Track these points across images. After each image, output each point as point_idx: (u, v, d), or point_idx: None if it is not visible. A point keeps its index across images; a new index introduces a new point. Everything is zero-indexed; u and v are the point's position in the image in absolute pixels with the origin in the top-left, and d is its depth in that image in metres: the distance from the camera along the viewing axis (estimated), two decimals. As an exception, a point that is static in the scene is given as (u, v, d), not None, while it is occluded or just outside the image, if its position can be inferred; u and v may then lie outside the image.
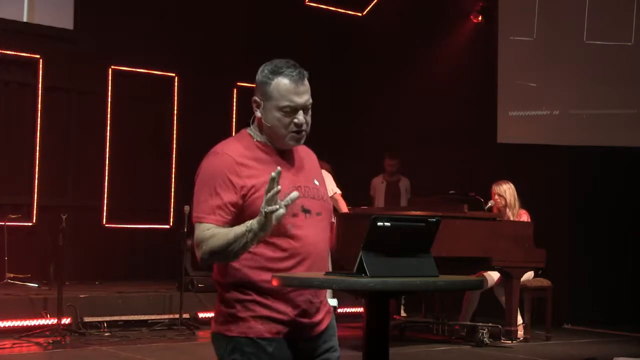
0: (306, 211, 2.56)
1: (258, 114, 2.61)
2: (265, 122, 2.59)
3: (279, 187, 2.33)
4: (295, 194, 2.37)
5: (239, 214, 2.52)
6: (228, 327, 2.57)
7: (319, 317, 2.62)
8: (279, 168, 2.35)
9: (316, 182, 2.68)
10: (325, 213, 2.65)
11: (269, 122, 2.58)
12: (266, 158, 2.60)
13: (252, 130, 2.66)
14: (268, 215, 2.34)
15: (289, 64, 2.58)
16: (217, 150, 2.61)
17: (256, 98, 2.61)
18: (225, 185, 2.51)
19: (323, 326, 2.64)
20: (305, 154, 2.75)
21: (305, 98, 2.57)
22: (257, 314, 2.52)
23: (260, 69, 2.61)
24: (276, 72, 2.56)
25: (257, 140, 2.63)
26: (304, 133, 2.60)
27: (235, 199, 2.51)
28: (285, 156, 2.64)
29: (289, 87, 2.54)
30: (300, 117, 2.57)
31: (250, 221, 2.41)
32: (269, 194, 2.33)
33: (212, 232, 2.48)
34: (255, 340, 2.52)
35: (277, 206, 2.34)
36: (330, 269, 2.72)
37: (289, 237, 2.53)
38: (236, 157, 2.55)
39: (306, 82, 2.59)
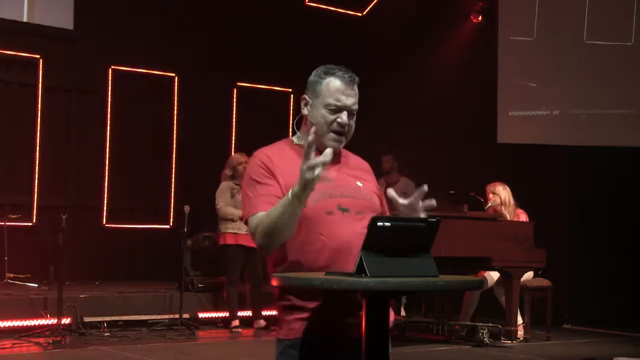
0: (343, 210, 2.56)
1: (305, 111, 2.69)
2: (311, 119, 2.67)
3: (325, 159, 2.35)
4: (329, 150, 2.40)
5: None
6: (278, 332, 2.63)
7: (360, 319, 2.57)
8: (330, 149, 2.39)
9: (359, 184, 2.69)
10: (367, 212, 2.62)
11: (314, 119, 2.65)
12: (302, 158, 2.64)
13: (295, 136, 2.74)
14: (307, 174, 2.36)
15: (343, 68, 2.68)
16: (256, 152, 2.70)
17: (305, 96, 2.69)
18: (266, 177, 2.58)
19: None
20: (356, 162, 2.79)
21: (352, 100, 2.65)
22: (297, 317, 2.56)
23: (315, 70, 2.70)
24: (329, 73, 2.66)
25: (296, 144, 2.71)
26: (344, 136, 2.66)
27: (279, 189, 2.56)
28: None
29: (338, 86, 2.63)
30: (343, 117, 2.63)
31: (291, 190, 2.42)
32: (312, 162, 2.34)
33: (262, 218, 2.51)
34: (296, 341, 2.55)
35: (315, 163, 2.35)
36: None
37: (322, 235, 2.53)
38: (271, 156, 2.63)
39: (356, 87, 2.67)
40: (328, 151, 2.39)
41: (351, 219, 2.58)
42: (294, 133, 2.78)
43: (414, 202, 2.62)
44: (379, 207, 2.73)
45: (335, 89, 2.63)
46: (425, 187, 2.62)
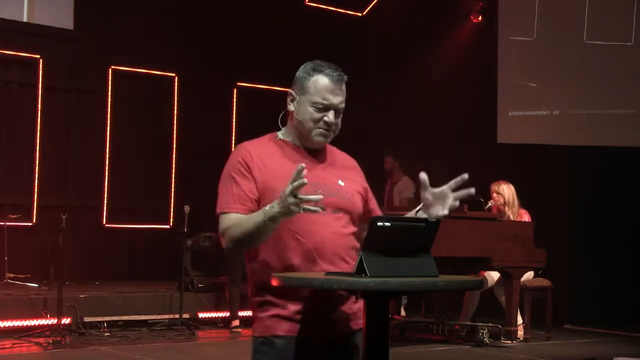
0: (320, 208, 2.55)
1: (291, 107, 2.67)
2: (297, 115, 2.65)
3: (305, 180, 2.31)
4: (319, 196, 2.36)
5: (259, 203, 2.56)
6: (253, 329, 2.63)
7: (339, 317, 2.58)
8: (302, 164, 2.34)
9: (341, 183, 2.67)
10: (345, 212, 2.62)
11: (299, 116, 2.64)
12: (284, 153, 2.65)
13: (281, 131, 2.73)
14: (291, 207, 2.34)
15: (332, 65, 2.66)
16: (238, 145, 2.70)
17: (292, 91, 2.68)
18: (243, 175, 2.58)
19: (347, 328, 2.60)
20: (341, 159, 2.77)
21: (339, 99, 2.63)
22: (271, 314, 2.56)
23: (302, 66, 2.68)
24: (317, 70, 2.63)
25: (279, 138, 2.70)
26: (331, 133, 2.65)
27: (254, 188, 2.57)
28: (309, 154, 2.67)
29: (326, 85, 2.61)
30: (330, 116, 2.62)
31: (268, 207, 2.41)
32: (294, 184, 2.31)
33: (235, 221, 2.52)
34: (269, 338, 2.55)
35: (298, 200, 2.32)
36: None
37: (297, 233, 2.53)
38: (252, 150, 2.63)
39: (344, 86, 2.66)
40: (317, 197, 2.34)
41: (328, 218, 2.57)
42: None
43: (446, 190, 2.58)
44: (359, 206, 2.70)
45: (323, 87, 2.61)
46: (466, 176, 2.56)
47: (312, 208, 2.34)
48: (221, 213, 2.58)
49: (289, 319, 2.53)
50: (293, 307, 2.53)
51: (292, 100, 2.67)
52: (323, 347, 2.56)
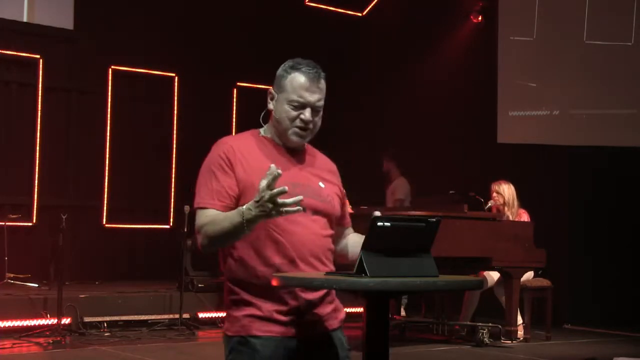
0: (301, 208, 2.55)
1: (270, 106, 2.67)
2: (275, 114, 2.65)
3: (286, 188, 2.31)
4: (299, 197, 2.35)
5: (238, 199, 2.54)
6: (227, 327, 2.60)
7: (315, 317, 2.59)
8: (279, 171, 2.32)
9: (321, 185, 2.67)
10: (323, 214, 2.62)
11: (277, 114, 2.64)
12: (266, 151, 2.63)
13: (262, 128, 2.72)
14: (271, 212, 2.33)
15: (310, 63, 2.63)
16: (220, 140, 2.67)
17: (271, 90, 2.68)
18: (224, 170, 2.56)
19: (323, 328, 2.61)
20: (322, 161, 2.77)
21: (316, 97, 2.61)
22: (247, 313, 2.54)
23: (283, 64, 2.68)
24: (294, 68, 2.62)
25: (262, 135, 2.69)
26: (309, 132, 2.63)
27: (234, 185, 2.55)
28: (289, 153, 2.66)
29: (302, 83, 2.60)
30: (307, 114, 2.60)
31: (245, 208, 2.38)
32: (273, 192, 2.30)
33: (211, 218, 2.50)
34: (247, 338, 2.53)
35: (278, 206, 2.32)
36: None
37: (275, 232, 2.52)
38: (235, 146, 2.60)
39: (322, 83, 2.63)
40: (298, 198, 2.34)
41: (307, 219, 2.56)
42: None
43: None
44: (338, 210, 2.71)
45: (299, 85, 2.59)
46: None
47: (293, 209, 2.33)
48: (198, 208, 2.56)
49: (265, 319, 2.52)
50: (269, 307, 2.52)
51: (271, 99, 2.67)
52: (299, 347, 2.55)
